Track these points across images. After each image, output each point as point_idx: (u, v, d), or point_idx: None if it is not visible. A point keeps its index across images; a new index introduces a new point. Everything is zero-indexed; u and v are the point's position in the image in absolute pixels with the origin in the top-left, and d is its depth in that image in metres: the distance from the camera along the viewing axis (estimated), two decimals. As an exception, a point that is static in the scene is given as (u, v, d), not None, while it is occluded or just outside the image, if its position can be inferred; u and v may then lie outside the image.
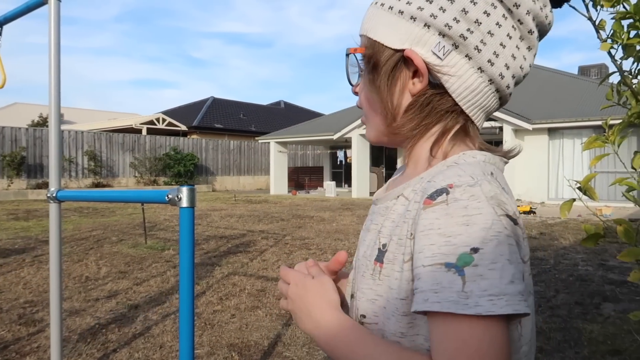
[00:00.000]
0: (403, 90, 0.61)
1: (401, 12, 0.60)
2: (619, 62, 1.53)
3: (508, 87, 0.62)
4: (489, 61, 0.58)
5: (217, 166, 23.64)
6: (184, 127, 25.74)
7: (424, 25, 0.58)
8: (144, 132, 23.65)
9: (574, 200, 1.53)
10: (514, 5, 0.59)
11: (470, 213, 0.50)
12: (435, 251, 0.50)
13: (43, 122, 29.71)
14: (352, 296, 0.66)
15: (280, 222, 9.30)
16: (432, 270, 0.50)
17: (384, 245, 0.59)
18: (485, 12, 0.58)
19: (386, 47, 0.61)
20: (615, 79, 1.62)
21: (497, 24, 0.58)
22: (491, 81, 0.60)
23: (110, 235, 7.45)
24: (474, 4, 0.58)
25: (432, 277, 0.49)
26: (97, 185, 18.74)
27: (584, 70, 27.86)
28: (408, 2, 0.59)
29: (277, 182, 20.11)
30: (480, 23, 0.58)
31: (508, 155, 0.65)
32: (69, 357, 2.74)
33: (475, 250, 0.48)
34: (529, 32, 0.60)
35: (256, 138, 23.36)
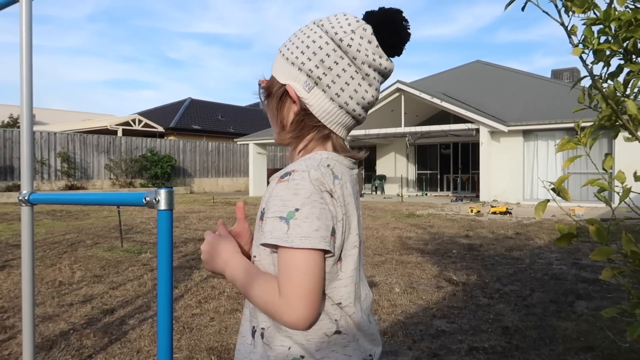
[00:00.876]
0: (289, 111, 0.91)
1: (287, 59, 0.90)
2: (590, 67, 1.57)
3: (354, 110, 0.91)
4: (337, 94, 0.88)
5: (195, 168, 23.39)
6: (160, 129, 25.39)
7: (298, 69, 0.89)
8: (120, 133, 23.26)
9: (548, 201, 1.56)
10: (353, 58, 0.88)
11: (298, 188, 0.80)
12: (275, 209, 0.80)
13: (13, 123, 28.92)
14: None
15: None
16: (272, 220, 0.80)
17: (263, 209, 0.87)
18: (335, 62, 0.88)
19: (277, 81, 0.91)
20: (586, 82, 1.66)
21: (343, 69, 0.88)
22: (340, 106, 0.90)
23: (85, 239, 7.30)
24: (328, 56, 0.87)
25: (271, 224, 0.80)
26: (70, 187, 18.34)
27: (557, 74, 28.53)
28: (291, 52, 0.90)
29: (256, 183, 20.00)
30: (332, 69, 0.88)
31: (355, 157, 0.94)
32: (42, 364, 2.67)
33: (297, 210, 0.78)
34: (366, 74, 0.89)
35: (235, 139, 23.18)
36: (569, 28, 1.56)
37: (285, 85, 0.90)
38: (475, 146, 18.21)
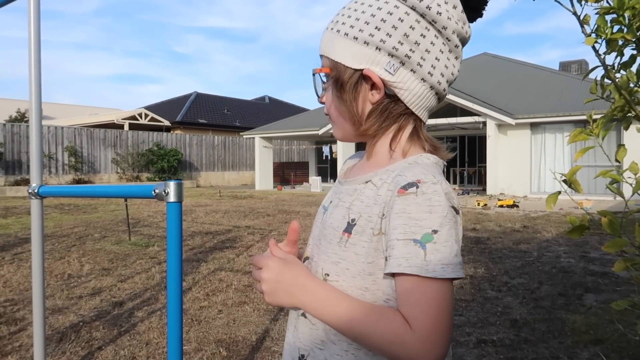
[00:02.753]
0: (365, 101, 0.77)
1: (356, 38, 0.75)
2: (602, 57, 1.55)
3: (444, 90, 0.79)
4: (429, 73, 0.75)
5: (201, 162, 23.46)
6: (167, 123, 25.46)
7: (376, 49, 0.74)
8: (126, 127, 23.33)
9: (559, 193, 1.55)
10: (442, 28, 0.75)
11: (433, 204, 0.67)
12: (406, 229, 0.67)
13: (21, 118, 29.09)
14: (308, 259, 0.83)
15: (266, 218, 9.27)
16: (404, 243, 0.66)
17: (353, 220, 0.75)
18: (421, 35, 0.74)
19: (347, 67, 0.76)
20: (598, 73, 1.64)
21: (432, 43, 0.75)
22: (432, 87, 0.77)
23: (93, 232, 7.35)
24: (412, 29, 0.74)
25: (403, 249, 0.66)
26: (78, 181, 18.45)
27: (564, 66, 28.26)
28: (360, 30, 0.75)
29: (263, 177, 20.03)
30: (419, 44, 0.74)
31: (446, 157, 0.82)
32: (52, 356, 2.69)
33: (435, 231, 0.66)
34: (455, 46, 0.77)
35: (241, 133, 23.20)
36: (581, 17, 1.54)
37: (361, 70, 0.75)
38: (482, 139, 18.11)
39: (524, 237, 6.92)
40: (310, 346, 0.77)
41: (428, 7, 0.74)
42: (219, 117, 29.01)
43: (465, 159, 20.99)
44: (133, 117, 24.04)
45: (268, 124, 22.84)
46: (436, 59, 0.75)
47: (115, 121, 23.43)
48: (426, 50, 0.74)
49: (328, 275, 0.76)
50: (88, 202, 12.33)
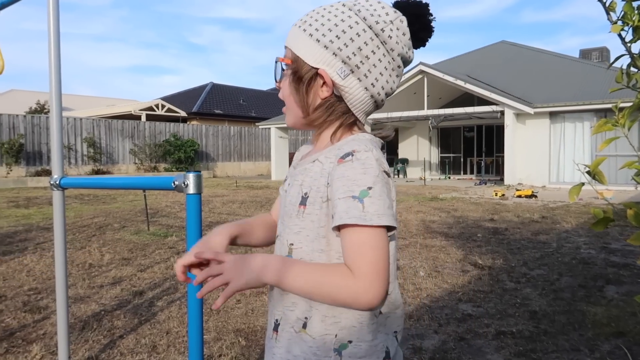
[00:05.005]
0: (315, 95, 0.89)
1: (318, 41, 0.87)
2: (629, 45, 1.50)
3: (382, 100, 0.92)
4: (372, 84, 0.88)
5: (217, 152, 23.59)
6: (183, 113, 25.62)
7: (333, 54, 0.86)
8: (143, 118, 23.55)
9: (583, 184, 1.52)
10: (390, 49, 0.88)
11: (366, 167, 0.80)
12: (345, 189, 0.79)
13: (41, 109, 29.53)
14: (278, 236, 0.97)
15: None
16: (344, 200, 0.79)
17: (306, 194, 0.88)
18: (372, 51, 0.87)
19: (306, 63, 0.88)
20: (624, 61, 1.59)
21: (379, 60, 0.88)
22: (372, 96, 0.90)
23: (113, 222, 7.46)
24: (366, 44, 0.86)
25: (344, 204, 0.78)
26: (97, 172, 18.71)
27: (585, 54, 27.64)
28: (323, 34, 0.86)
29: (278, 167, 20.08)
30: (369, 58, 0.87)
31: (384, 138, 0.94)
32: (75, 344, 2.75)
33: (370, 188, 0.78)
34: (398, 66, 0.91)
35: (256, 124, 23.25)
36: (607, 4, 1.50)
37: (317, 68, 0.87)
38: (500, 128, 17.87)
39: (543, 227, 6.83)
40: (282, 310, 0.89)
41: (382, 30, 0.87)
42: (234, 107, 29.09)
43: (483, 149, 20.76)
44: (150, 108, 24.24)
45: (284, 115, 22.83)
46: (380, 73, 0.88)
47: (132, 112, 23.66)
48: (373, 65, 0.87)
49: (292, 244, 0.89)
50: (107, 193, 12.50)
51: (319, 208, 0.85)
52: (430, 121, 17.54)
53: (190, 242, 1.67)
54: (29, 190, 13.95)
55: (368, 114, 0.93)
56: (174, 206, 9.68)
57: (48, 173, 16.99)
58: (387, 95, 0.92)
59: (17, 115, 17.53)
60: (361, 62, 0.86)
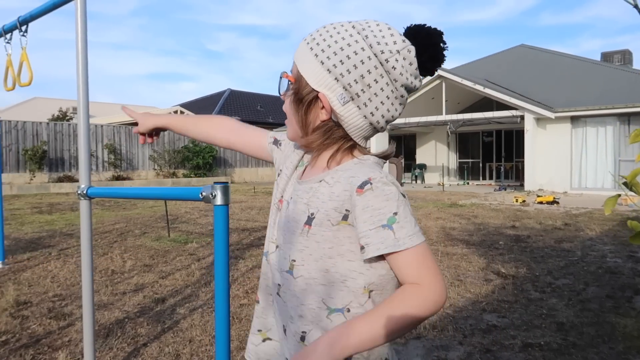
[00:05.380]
0: (315, 117, 0.89)
1: (322, 63, 0.86)
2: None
3: (382, 128, 0.92)
4: (371, 113, 0.88)
5: (235, 158, 23.74)
6: (201, 120, 25.81)
7: (334, 79, 0.85)
8: (163, 125, 23.78)
9: (619, 195, 1.48)
10: (394, 80, 0.87)
11: (387, 193, 0.82)
12: (374, 220, 0.81)
13: (63, 117, 30.10)
14: (277, 247, 0.97)
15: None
16: (375, 231, 0.81)
17: (312, 214, 0.88)
18: (375, 80, 0.86)
19: (307, 83, 0.87)
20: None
21: (381, 89, 0.87)
22: (371, 124, 0.89)
23: (133, 229, 7.54)
24: (369, 72, 0.85)
25: (377, 235, 0.81)
26: (117, 178, 18.96)
27: (607, 57, 27.17)
28: (328, 57, 0.85)
29: (295, 173, 20.07)
30: (370, 87, 0.86)
31: (387, 157, 0.95)
32: (100, 351, 2.77)
33: (395, 213, 0.81)
34: (401, 95, 0.89)
35: (274, 129, 23.30)
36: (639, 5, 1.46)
37: (317, 92, 0.87)
38: (520, 133, 17.65)
39: (566, 235, 6.70)
40: (286, 321, 0.93)
41: (386, 60, 0.86)
42: (252, 113, 29.28)
43: (502, 154, 20.51)
44: (169, 115, 24.48)
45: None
46: (381, 102, 0.87)
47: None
48: (375, 94, 0.86)
49: (294, 261, 0.90)
50: (128, 199, 12.65)
51: (326, 230, 0.87)
52: (448, 126, 17.41)
53: (218, 252, 1.66)
54: (51, 196, 14.20)
55: (367, 138, 0.93)
56: (194, 212, 9.75)
57: (70, 179, 17.28)
58: (388, 122, 0.92)
59: (40, 123, 17.89)
60: (362, 90, 0.85)
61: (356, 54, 0.85)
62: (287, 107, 0.93)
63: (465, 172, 20.80)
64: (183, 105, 28.15)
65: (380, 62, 0.86)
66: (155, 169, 20.58)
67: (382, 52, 0.86)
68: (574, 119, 14.89)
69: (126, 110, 1.52)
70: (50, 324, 3.27)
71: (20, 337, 3.03)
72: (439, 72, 16.75)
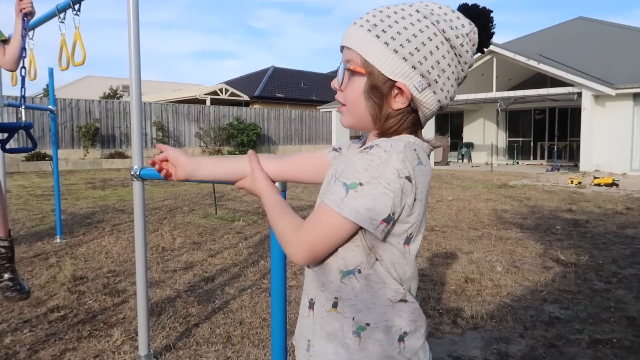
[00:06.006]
0: (388, 105, 0.88)
1: (395, 51, 0.85)
2: None
3: (444, 108, 0.94)
4: (445, 96, 0.90)
5: (279, 136, 23.82)
6: (246, 97, 26.01)
7: (412, 67, 0.85)
8: (208, 102, 24.13)
9: None
10: (464, 63, 0.90)
11: (371, 164, 0.81)
12: (345, 174, 0.82)
13: (114, 95, 31.01)
14: None
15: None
16: (338, 183, 0.83)
17: (336, 178, 0.88)
18: (448, 65, 0.87)
19: (381, 73, 0.86)
20: None
21: (452, 72, 0.88)
22: (441, 107, 0.92)
23: (182, 205, 7.67)
24: (444, 58, 0.86)
25: (335, 187, 0.83)
26: (165, 155, 19.40)
27: (674, 28, 25.18)
28: (401, 45, 0.84)
29: (339, 151, 19.95)
30: (445, 72, 0.87)
31: (433, 145, 0.92)
32: (153, 330, 2.79)
33: (360, 184, 0.80)
34: (464, 77, 0.92)
35: (317, 107, 23.19)
36: None
37: (395, 81, 0.86)
38: (575, 111, 16.79)
39: (629, 220, 6.30)
40: (316, 290, 0.93)
41: (461, 45, 0.87)
42: (295, 91, 29.18)
43: (555, 133, 19.60)
44: (214, 93, 24.78)
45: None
46: (451, 85, 0.89)
47: (198, 96, 24.30)
48: (447, 77, 0.87)
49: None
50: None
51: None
52: (499, 104, 16.74)
53: (274, 252, 1.58)
54: (104, 172, 14.71)
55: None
56: (239, 191, 9.83)
57: (121, 155, 17.83)
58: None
59: (92, 101, 18.47)
60: (438, 75, 0.86)
61: (430, 40, 0.86)
62: (352, 97, 0.91)
63: (515, 151, 20.04)
64: (228, 83, 28.36)
65: (453, 46, 0.87)
66: (201, 146, 20.93)
67: (457, 37, 0.87)
68: (636, 96, 13.97)
69: (161, 147, 1.22)
70: (105, 300, 3.33)
71: (78, 312, 3.11)
72: (491, 47, 16.01)
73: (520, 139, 20.62)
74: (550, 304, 3.22)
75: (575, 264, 4.18)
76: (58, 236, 5.15)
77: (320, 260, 0.89)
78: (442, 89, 0.88)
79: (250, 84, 28.61)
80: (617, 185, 10.41)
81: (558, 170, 15.30)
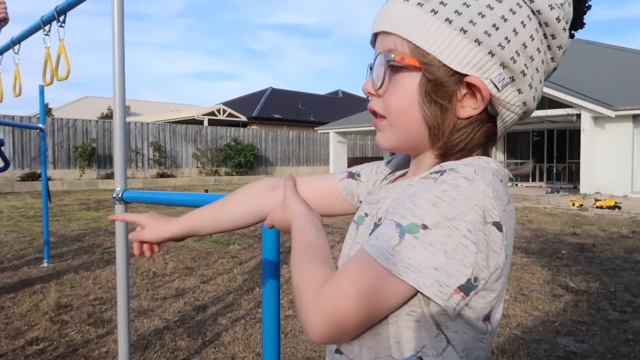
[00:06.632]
0: (452, 112, 0.60)
1: (464, 31, 0.58)
2: None
3: (525, 117, 0.66)
4: (533, 97, 0.62)
5: (276, 157, 23.72)
6: (243, 118, 26.00)
7: (489, 53, 0.58)
8: (206, 123, 24.09)
9: None
10: (558, 47, 0.63)
11: (444, 198, 0.53)
12: (398, 210, 0.56)
13: (112, 115, 31.01)
14: None
15: (344, 217, 9.01)
16: (387, 222, 0.55)
17: (380, 219, 0.62)
18: (537, 49, 0.61)
19: (444, 64, 0.59)
20: None
21: (542, 61, 0.62)
22: (525, 113, 0.63)
23: (176, 228, 7.45)
24: (532, 39, 0.59)
25: (383, 226, 0.55)
26: (161, 175, 19.24)
27: (669, 51, 25.42)
28: (472, 22, 0.57)
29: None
30: (533, 59, 0.60)
31: (515, 173, 0.66)
32: (137, 365, 2.58)
33: (424, 227, 0.52)
34: (554, 69, 0.66)
35: (315, 128, 23.16)
36: None
37: (465, 76, 0.59)
38: (573, 133, 16.73)
39: (637, 244, 6.12)
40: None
41: (557, 19, 0.61)
42: (293, 112, 29.21)
43: (554, 155, 19.53)
44: (212, 113, 24.77)
45: (342, 119, 22.59)
46: (539, 81, 0.63)
47: (195, 117, 24.27)
48: (536, 69, 0.61)
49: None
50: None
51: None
52: (497, 125, 16.67)
53: (267, 281, 1.44)
54: (99, 193, 14.50)
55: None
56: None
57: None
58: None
59: (89, 121, 18.38)
60: (525, 65, 0.59)
61: (513, 13, 0.58)
62: (398, 102, 0.63)
63: (514, 173, 19.91)
64: (226, 104, 28.40)
65: (545, 23, 0.60)
66: (198, 167, 20.79)
67: (551, 8, 0.59)
68: (636, 118, 13.92)
69: (115, 218, 1.14)
70: (89, 331, 3.12)
71: (58, 345, 2.89)
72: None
73: (519, 161, 20.51)
74: (564, 337, 3.01)
75: (586, 291, 3.98)
76: (45, 260, 4.94)
77: (350, 339, 0.59)
78: (530, 85, 0.61)
79: (248, 105, 28.64)
80: (619, 207, 10.25)
81: (558, 192, 15.16)
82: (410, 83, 0.61)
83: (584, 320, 3.31)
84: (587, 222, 8.17)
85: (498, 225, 0.53)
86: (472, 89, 0.59)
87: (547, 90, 15.10)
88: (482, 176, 0.55)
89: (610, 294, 3.93)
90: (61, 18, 2.39)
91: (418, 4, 0.60)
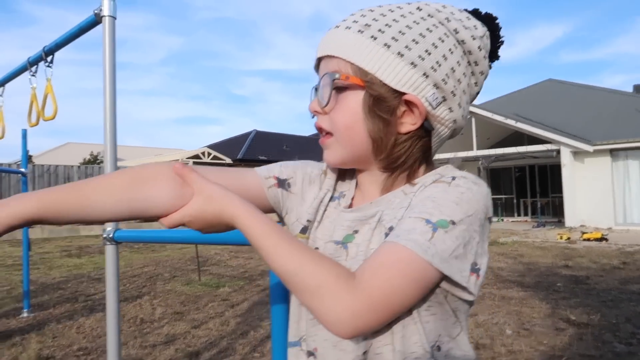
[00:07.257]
0: (393, 128, 0.66)
1: (400, 55, 0.64)
2: None
3: (453, 136, 0.73)
4: (462, 115, 0.69)
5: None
6: (229, 160, 25.94)
7: (423, 74, 0.64)
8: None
9: None
10: (480, 73, 0.71)
11: (463, 198, 0.61)
12: (422, 210, 0.60)
13: (94, 160, 30.73)
14: None
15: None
16: (414, 219, 0.59)
17: (391, 228, 0.64)
18: (463, 73, 0.68)
19: (384, 84, 0.64)
20: None
21: (468, 84, 0.69)
22: (455, 130, 0.70)
23: (163, 272, 7.24)
24: (459, 64, 0.67)
25: (411, 223, 0.59)
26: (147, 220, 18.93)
27: (639, 89, 26.48)
28: (407, 47, 0.64)
29: (323, 212, 19.74)
30: (460, 82, 0.68)
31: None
32: (128, 419, 2.40)
33: (453, 222, 0.58)
34: (478, 92, 0.74)
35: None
36: None
37: (404, 94, 0.64)
38: (554, 168, 17.03)
39: (630, 275, 6.10)
40: None
41: (479, 48, 0.68)
42: (278, 153, 29.32)
43: (537, 189, 19.79)
44: (196, 156, 24.68)
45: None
46: (466, 102, 0.69)
47: (180, 160, 24.10)
48: (463, 91, 0.68)
49: None
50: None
51: None
52: (480, 162, 16.92)
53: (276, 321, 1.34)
54: (81, 239, 14.12)
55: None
56: (224, 253, 9.44)
57: (99, 222, 17.27)
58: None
59: (72, 167, 18.14)
60: (454, 86, 0.66)
61: (442, 41, 0.66)
62: (344, 119, 0.67)
63: (499, 208, 20.08)
64: (210, 147, 28.40)
65: (468, 51, 0.68)
66: (182, 211, 20.53)
67: (473, 39, 0.67)
68: (613, 152, 14.26)
69: None
70: (74, 383, 2.92)
71: (41, 400, 2.69)
72: (470, 107, 16.44)
73: (503, 196, 20.73)
74: (574, 371, 2.92)
75: (588, 324, 3.91)
76: (25, 310, 4.70)
77: (375, 331, 0.60)
78: (459, 105, 0.67)
79: (232, 148, 28.68)
80: (606, 239, 10.32)
81: (544, 226, 15.26)
82: (355, 100, 0.66)
83: (591, 353, 3.22)
84: (577, 255, 8.17)
85: (490, 220, 0.64)
86: (410, 106, 0.65)
87: (526, 126, 15.48)
88: (482, 181, 0.64)
89: (612, 325, 3.86)
90: (49, 58, 2.35)
91: (359, 31, 0.65)
